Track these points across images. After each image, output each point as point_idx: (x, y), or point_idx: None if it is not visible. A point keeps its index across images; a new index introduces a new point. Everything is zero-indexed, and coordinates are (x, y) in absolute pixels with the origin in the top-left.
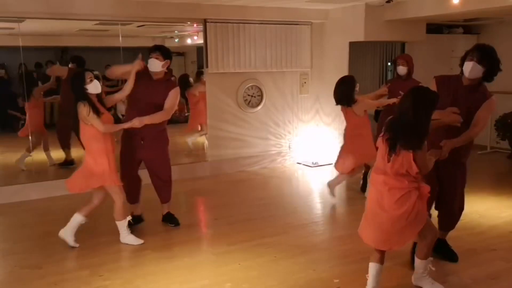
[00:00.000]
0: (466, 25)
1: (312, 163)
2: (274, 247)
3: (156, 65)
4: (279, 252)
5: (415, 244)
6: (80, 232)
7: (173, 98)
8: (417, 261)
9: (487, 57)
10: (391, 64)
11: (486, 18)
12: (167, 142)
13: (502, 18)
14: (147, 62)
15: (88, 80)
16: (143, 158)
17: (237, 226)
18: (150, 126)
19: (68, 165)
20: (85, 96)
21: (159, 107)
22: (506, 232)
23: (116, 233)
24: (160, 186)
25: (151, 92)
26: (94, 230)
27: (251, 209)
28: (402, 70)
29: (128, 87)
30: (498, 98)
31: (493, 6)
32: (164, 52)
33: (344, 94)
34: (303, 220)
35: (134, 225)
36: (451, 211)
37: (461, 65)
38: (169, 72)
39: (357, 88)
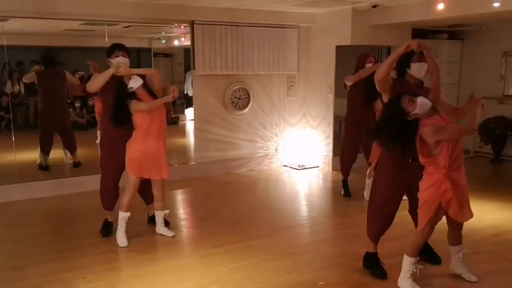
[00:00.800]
0: (451, 30)
1: (299, 165)
2: (260, 249)
3: (126, 63)
4: (265, 254)
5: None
6: (63, 234)
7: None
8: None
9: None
10: None
11: (471, 24)
12: None
13: (486, 24)
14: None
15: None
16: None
17: (223, 228)
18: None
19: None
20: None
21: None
22: (489, 235)
23: (99, 235)
24: (147, 187)
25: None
26: (78, 231)
27: (237, 211)
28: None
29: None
30: None
31: (476, 12)
32: (128, 50)
33: None
34: (289, 223)
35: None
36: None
37: (400, 69)
38: None
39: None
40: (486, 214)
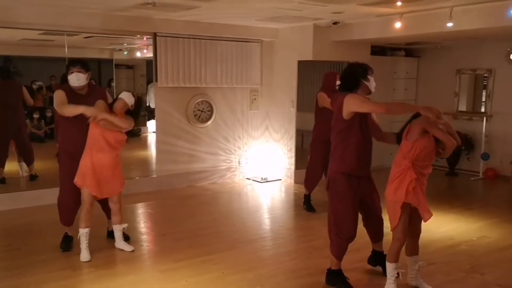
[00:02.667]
0: (408, 48)
1: (262, 178)
2: (222, 263)
3: (82, 78)
4: (227, 268)
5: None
6: (17, 250)
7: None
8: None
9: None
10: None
11: (426, 42)
12: None
13: (440, 43)
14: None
15: None
16: None
17: (185, 242)
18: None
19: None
20: None
21: None
22: (445, 246)
23: (56, 250)
24: (106, 201)
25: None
26: (33, 247)
27: (199, 224)
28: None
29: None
30: None
31: (431, 31)
32: (84, 64)
33: None
34: (251, 236)
35: (67, 249)
36: (380, 221)
37: (353, 84)
38: (91, 82)
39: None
40: (441, 226)
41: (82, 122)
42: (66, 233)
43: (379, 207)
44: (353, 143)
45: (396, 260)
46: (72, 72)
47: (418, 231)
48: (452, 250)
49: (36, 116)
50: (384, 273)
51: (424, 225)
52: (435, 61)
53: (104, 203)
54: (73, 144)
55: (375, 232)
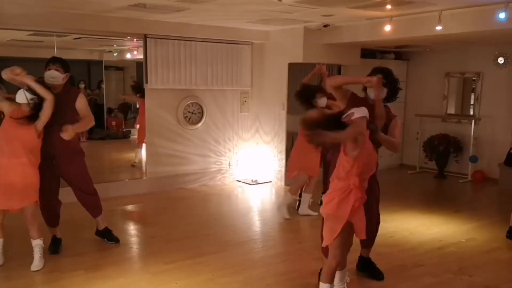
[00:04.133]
0: (397, 51)
1: (252, 181)
2: (212, 265)
3: (57, 77)
4: (217, 270)
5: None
6: (5, 253)
7: (84, 103)
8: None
9: (389, 79)
10: None
11: (415, 45)
12: (83, 154)
13: (429, 46)
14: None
15: None
16: (62, 176)
17: (175, 244)
18: (62, 143)
19: None
20: None
21: (71, 121)
22: (434, 248)
23: (45, 253)
24: (87, 201)
25: (59, 108)
26: (19, 249)
27: (189, 226)
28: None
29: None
30: (425, 121)
31: (420, 34)
32: (64, 64)
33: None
34: (241, 238)
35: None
36: (372, 228)
37: (365, 89)
38: (68, 83)
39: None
40: (430, 228)
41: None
42: (55, 235)
43: (371, 215)
44: None
45: (331, 280)
46: (49, 69)
47: (350, 245)
48: (441, 252)
49: None
50: (373, 277)
51: (414, 227)
52: (424, 64)
53: (81, 202)
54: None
55: (369, 238)
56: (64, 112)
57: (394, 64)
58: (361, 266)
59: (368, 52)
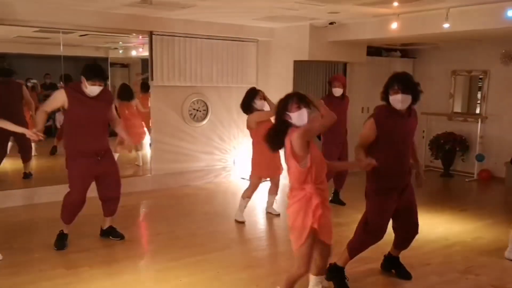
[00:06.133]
0: (404, 49)
1: None
2: (217, 262)
3: (98, 91)
4: (222, 267)
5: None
6: (9, 249)
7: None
8: None
9: (410, 85)
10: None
11: (422, 43)
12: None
13: (436, 44)
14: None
15: None
16: (99, 175)
17: (180, 242)
18: (105, 141)
19: None
20: None
21: (105, 124)
22: (440, 247)
23: (50, 248)
24: (109, 201)
25: (94, 112)
26: (26, 246)
27: (194, 224)
28: (338, 91)
29: None
30: (431, 119)
31: (427, 32)
32: (106, 78)
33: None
34: (246, 236)
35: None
36: (415, 231)
37: (384, 98)
38: None
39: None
40: (436, 227)
41: (90, 123)
42: (62, 230)
43: (416, 218)
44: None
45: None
46: (94, 84)
47: (326, 251)
48: (447, 251)
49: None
50: (399, 275)
51: (420, 226)
52: (430, 62)
53: (104, 200)
54: (82, 144)
55: (401, 240)
56: (103, 115)
57: (400, 62)
58: (388, 265)
59: (374, 50)
